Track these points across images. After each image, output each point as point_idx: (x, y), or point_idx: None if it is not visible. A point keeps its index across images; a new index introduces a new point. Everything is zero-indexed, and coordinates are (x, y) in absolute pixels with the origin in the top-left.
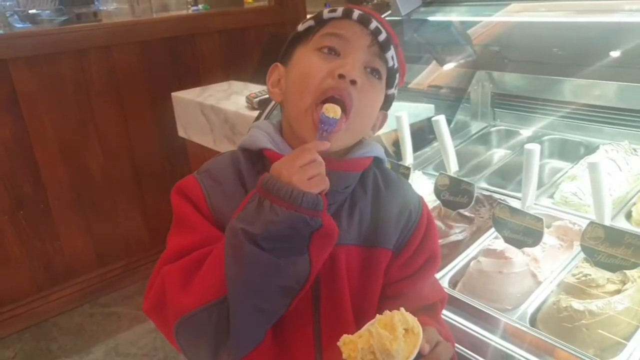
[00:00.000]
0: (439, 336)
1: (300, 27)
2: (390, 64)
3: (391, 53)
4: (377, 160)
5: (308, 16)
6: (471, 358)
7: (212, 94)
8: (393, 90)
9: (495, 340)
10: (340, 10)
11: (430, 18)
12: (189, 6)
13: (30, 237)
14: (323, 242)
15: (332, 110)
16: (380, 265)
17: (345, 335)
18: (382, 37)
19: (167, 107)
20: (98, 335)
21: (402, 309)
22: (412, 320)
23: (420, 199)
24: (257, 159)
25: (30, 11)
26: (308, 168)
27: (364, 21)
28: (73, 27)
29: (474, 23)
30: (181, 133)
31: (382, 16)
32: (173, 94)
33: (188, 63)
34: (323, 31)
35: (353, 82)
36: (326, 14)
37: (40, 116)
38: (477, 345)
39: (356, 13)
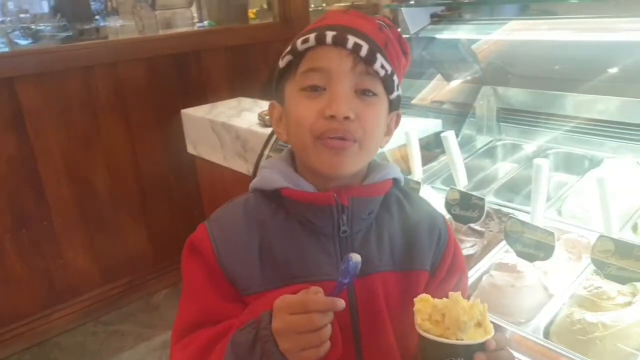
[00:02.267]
0: (506, 344)
1: (282, 64)
2: (382, 73)
3: (379, 62)
4: (396, 182)
5: (284, 54)
6: None
7: (222, 110)
8: (396, 93)
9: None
10: (312, 38)
11: (438, 36)
12: (194, 22)
13: (32, 255)
14: None
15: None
16: (419, 288)
17: (422, 296)
18: (364, 51)
19: (174, 123)
20: (100, 355)
21: (486, 304)
22: (488, 321)
23: (444, 218)
24: (272, 198)
25: (32, 27)
26: (306, 338)
27: (339, 42)
28: (79, 45)
29: (479, 40)
30: (190, 150)
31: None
32: (182, 110)
33: (194, 79)
34: (302, 66)
35: (346, 118)
36: (300, 45)
37: (45, 133)
38: None
39: (329, 36)
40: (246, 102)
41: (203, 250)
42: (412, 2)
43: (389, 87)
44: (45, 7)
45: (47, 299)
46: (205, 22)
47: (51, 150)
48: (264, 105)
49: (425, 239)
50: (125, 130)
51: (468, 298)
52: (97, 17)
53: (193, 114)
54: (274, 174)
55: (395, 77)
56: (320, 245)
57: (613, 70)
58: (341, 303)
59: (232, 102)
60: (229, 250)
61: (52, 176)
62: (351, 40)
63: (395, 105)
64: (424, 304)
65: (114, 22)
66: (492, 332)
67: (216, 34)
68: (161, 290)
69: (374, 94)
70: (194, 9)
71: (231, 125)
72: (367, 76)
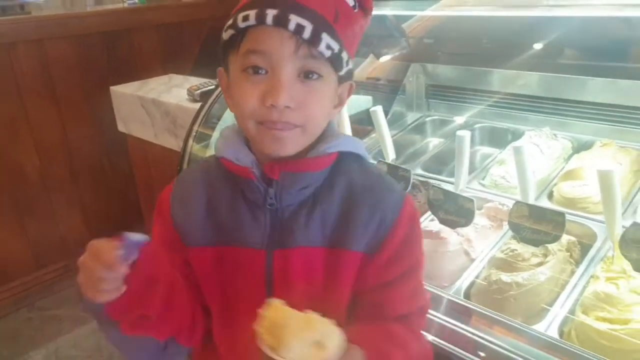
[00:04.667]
0: None
1: (225, 36)
2: (328, 53)
3: (324, 43)
4: (355, 156)
5: (226, 26)
6: None
7: (153, 87)
8: (346, 68)
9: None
10: (252, 15)
11: None
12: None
13: None
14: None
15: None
16: (347, 269)
17: (274, 302)
18: (307, 32)
19: (105, 102)
20: (36, 340)
21: (333, 321)
22: (334, 344)
23: (402, 200)
24: (220, 167)
25: None
26: (87, 276)
27: (281, 23)
28: (0, 19)
29: (408, 17)
30: (121, 127)
31: None
32: (111, 87)
33: (125, 58)
34: (244, 45)
35: (287, 107)
36: (240, 22)
37: None
38: None
39: (269, 15)
40: (177, 78)
41: (163, 200)
42: None
43: (337, 65)
44: None
45: None
46: (136, 0)
47: None
48: (194, 81)
49: (364, 218)
50: (54, 110)
51: None
52: None
53: (122, 90)
54: (222, 142)
55: (344, 54)
56: (252, 214)
57: (534, 45)
58: (118, 268)
59: (163, 79)
60: (181, 204)
61: None
62: (293, 20)
63: (346, 78)
64: (273, 311)
65: None
66: (330, 353)
67: (148, 12)
68: None
69: (320, 76)
70: None
71: (161, 102)
72: (311, 59)
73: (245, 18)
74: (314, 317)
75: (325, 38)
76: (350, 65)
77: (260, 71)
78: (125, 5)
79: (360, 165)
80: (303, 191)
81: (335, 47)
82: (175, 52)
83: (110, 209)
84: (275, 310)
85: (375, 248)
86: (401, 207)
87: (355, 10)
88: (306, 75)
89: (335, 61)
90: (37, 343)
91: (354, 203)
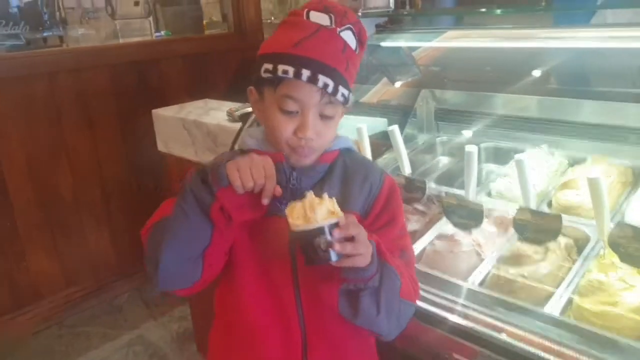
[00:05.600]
0: (353, 220)
1: (263, 74)
2: (342, 99)
3: (340, 92)
4: (345, 150)
5: (265, 65)
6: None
7: (190, 110)
8: (350, 102)
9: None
10: (291, 72)
11: (382, 44)
12: (152, 32)
13: None
14: (223, 216)
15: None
16: None
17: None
18: (331, 88)
19: (137, 127)
20: (68, 355)
21: (334, 198)
22: (338, 208)
23: (384, 176)
24: None
25: None
26: (241, 162)
27: (312, 80)
28: (44, 51)
29: (418, 48)
30: (161, 147)
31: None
32: (153, 111)
33: (154, 85)
34: (281, 89)
35: (310, 139)
36: (280, 73)
37: (9, 136)
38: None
39: (304, 75)
40: (212, 102)
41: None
42: (359, 14)
43: (345, 103)
44: None
45: (9, 302)
46: (162, 32)
47: (15, 154)
48: (229, 105)
49: (357, 188)
50: (88, 134)
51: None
52: (50, 25)
53: (163, 113)
54: (249, 139)
55: (350, 95)
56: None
57: (534, 73)
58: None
59: (199, 103)
60: None
61: (16, 179)
62: (321, 80)
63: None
64: (290, 210)
65: (74, 32)
66: (342, 214)
67: (174, 43)
68: (124, 294)
69: (333, 115)
70: (150, 19)
71: (202, 122)
72: (330, 105)
73: (285, 72)
74: (324, 197)
75: (341, 89)
76: (351, 99)
77: (292, 111)
78: (153, 37)
79: (350, 154)
80: (316, 175)
81: (347, 93)
82: (199, 81)
83: (138, 231)
84: (293, 207)
85: (367, 211)
86: (383, 179)
87: (357, 52)
88: (324, 116)
89: (345, 102)
90: (69, 358)
91: (350, 179)
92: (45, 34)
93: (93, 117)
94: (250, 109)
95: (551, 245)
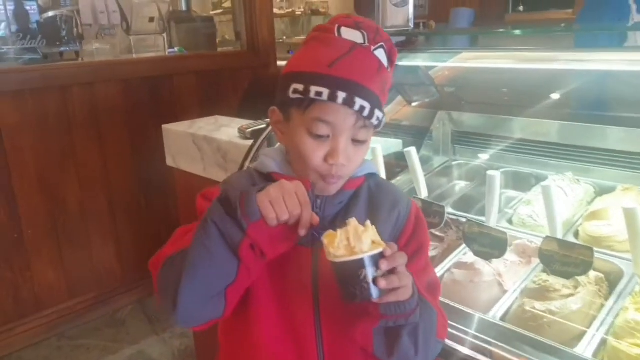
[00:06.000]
0: (397, 248)
1: (292, 94)
2: (376, 123)
3: (376, 116)
4: (369, 175)
5: (294, 85)
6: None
7: (201, 126)
8: (382, 125)
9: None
10: (325, 94)
11: (399, 63)
12: (166, 48)
13: (0, 267)
14: (253, 253)
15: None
16: None
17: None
18: (367, 111)
19: (147, 142)
20: None
21: (374, 226)
22: (379, 237)
23: (410, 201)
24: (267, 179)
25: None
26: (273, 192)
27: (348, 103)
28: (59, 65)
29: (434, 67)
30: (169, 162)
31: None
32: (164, 126)
33: (166, 101)
34: (312, 111)
35: (342, 165)
36: (312, 94)
37: (21, 148)
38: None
39: (340, 97)
40: (223, 119)
41: (211, 197)
42: None
43: (378, 127)
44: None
45: (12, 312)
46: (176, 48)
47: (26, 165)
48: (240, 122)
49: (385, 215)
50: (98, 147)
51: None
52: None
53: (174, 128)
54: (269, 161)
55: (384, 119)
56: None
57: (554, 96)
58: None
59: (210, 119)
60: None
61: (26, 190)
62: (358, 103)
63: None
64: (330, 238)
65: (89, 46)
66: (383, 244)
67: (188, 60)
68: (127, 306)
69: (366, 139)
70: (164, 35)
71: (212, 138)
72: (364, 128)
73: (319, 94)
74: (367, 224)
75: (377, 112)
76: (384, 121)
77: (323, 135)
78: (167, 53)
79: (375, 180)
80: (340, 204)
81: (381, 116)
82: (211, 98)
83: (143, 245)
84: (332, 235)
85: (396, 236)
86: (410, 206)
87: (389, 70)
88: (357, 140)
89: (378, 126)
90: None
91: (377, 206)
92: (62, 49)
93: (103, 131)
94: (262, 126)
95: (581, 279)
